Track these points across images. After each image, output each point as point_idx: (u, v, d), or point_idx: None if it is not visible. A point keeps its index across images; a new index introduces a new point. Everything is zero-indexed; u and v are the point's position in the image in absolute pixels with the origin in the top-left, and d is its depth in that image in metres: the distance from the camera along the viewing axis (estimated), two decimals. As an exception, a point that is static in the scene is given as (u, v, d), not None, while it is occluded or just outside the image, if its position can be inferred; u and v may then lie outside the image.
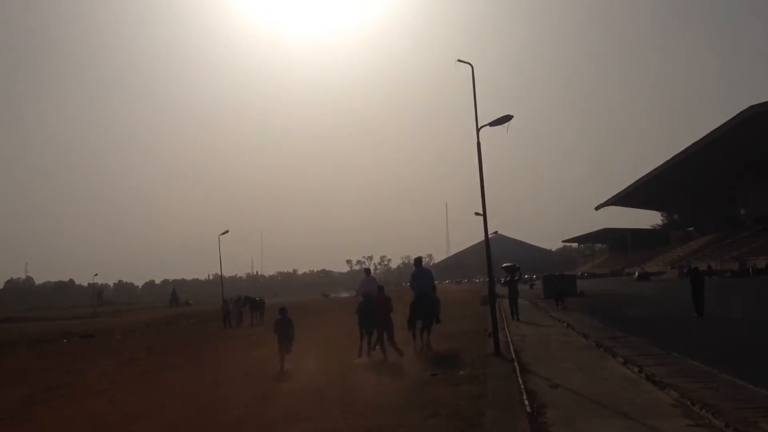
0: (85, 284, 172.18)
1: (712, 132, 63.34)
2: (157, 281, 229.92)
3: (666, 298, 33.15)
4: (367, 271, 18.94)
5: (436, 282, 17.18)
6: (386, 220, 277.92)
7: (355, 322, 15.37)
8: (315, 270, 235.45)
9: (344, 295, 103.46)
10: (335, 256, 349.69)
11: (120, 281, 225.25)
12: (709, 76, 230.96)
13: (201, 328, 34.92)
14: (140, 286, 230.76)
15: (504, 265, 28.61)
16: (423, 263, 18.05)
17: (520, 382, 9.96)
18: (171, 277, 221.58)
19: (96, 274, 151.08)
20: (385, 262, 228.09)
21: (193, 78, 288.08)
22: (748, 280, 48.50)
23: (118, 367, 17.23)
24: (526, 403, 8.36)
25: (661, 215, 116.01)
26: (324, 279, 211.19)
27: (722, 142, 62.39)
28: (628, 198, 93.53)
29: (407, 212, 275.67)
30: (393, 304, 15.05)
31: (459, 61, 15.08)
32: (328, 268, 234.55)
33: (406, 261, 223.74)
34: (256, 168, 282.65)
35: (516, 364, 11.89)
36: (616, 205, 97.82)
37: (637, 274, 71.00)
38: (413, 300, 15.31)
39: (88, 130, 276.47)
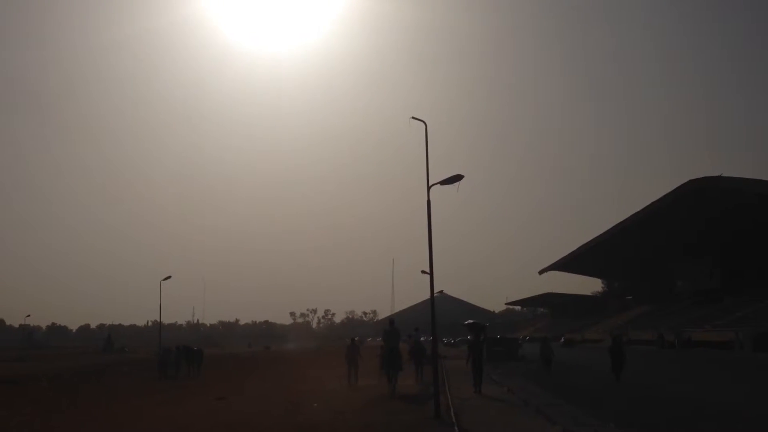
0: (16, 325, 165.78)
1: (651, 204, 65.31)
2: (93, 325, 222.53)
3: (596, 365, 33.54)
4: (392, 321, 21.61)
5: None
6: (331, 273, 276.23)
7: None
8: (257, 321, 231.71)
9: (290, 345, 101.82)
10: (278, 308, 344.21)
11: (53, 324, 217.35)
12: (658, 144, 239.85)
13: (135, 377, 33.66)
14: (74, 330, 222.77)
15: (468, 322, 24.75)
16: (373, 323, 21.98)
17: (459, 448, 9.82)
18: (107, 321, 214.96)
19: (28, 315, 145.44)
20: (329, 316, 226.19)
21: (134, 124, 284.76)
22: (676, 352, 49.88)
23: (39, 416, 16.38)
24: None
25: (602, 282, 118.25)
26: (266, 330, 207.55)
27: (661, 214, 64.33)
28: (570, 264, 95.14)
29: (353, 266, 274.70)
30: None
31: (413, 118, 15.27)
32: (271, 319, 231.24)
33: (351, 315, 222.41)
34: (200, 214, 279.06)
35: (456, 428, 11.74)
36: (558, 270, 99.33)
37: (563, 339, 74.19)
38: (385, 352, 20.04)
39: (23, 166, 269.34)
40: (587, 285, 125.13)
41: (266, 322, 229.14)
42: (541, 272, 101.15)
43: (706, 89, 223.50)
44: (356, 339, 24.26)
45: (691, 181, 57.35)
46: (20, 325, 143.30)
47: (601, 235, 78.99)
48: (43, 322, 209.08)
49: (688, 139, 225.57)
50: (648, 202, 66.46)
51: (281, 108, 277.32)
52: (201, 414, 14.97)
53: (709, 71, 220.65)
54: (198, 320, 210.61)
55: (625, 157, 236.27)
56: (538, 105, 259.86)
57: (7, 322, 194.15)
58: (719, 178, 55.15)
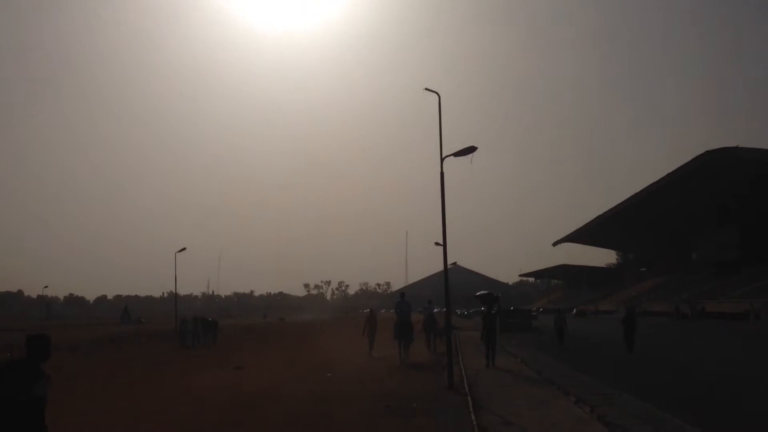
0: (35, 296, 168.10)
1: (667, 175, 64.80)
2: (110, 296, 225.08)
3: (609, 335, 33.52)
4: (402, 294, 23.22)
5: None
6: (345, 245, 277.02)
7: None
8: (272, 292, 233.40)
9: (306, 316, 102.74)
10: (293, 280, 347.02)
11: (71, 294, 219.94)
12: (674, 117, 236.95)
13: (152, 347, 34.07)
14: (92, 301, 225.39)
15: (479, 293, 23.35)
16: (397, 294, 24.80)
17: (473, 418, 9.89)
18: (124, 293, 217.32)
19: (46, 286, 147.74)
20: (343, 288, 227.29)
21: (153, 96, 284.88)
22: (690, 323, 49.87)
23: (58, 384, 16.62)
24: (478, 439, 8.28)
25: (617, 254, 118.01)
26: (281, 302, 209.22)
27: (677, 185, 63.90)
28: (585, 235, 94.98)
29: (366, 238, 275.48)
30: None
31: (426, 89, 15.13)
32: (285, 291, 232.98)
33: (364, 287, 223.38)
34: (215, 186, 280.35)
35: (469, 398, 11.82)
36: (573, 242, 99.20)
37: (574, 311, 74.60)
38: (396, 322, 20.88)
39: (43, 139, 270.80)
40: (602, 257, 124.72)
41: (280, 293, 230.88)
42: (555, 244, 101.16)
43: (730, 58, 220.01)
44: (371, 311, 25.11)
45: (707, 152, 56.64)
46: (38, 296, 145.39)
47: (615, 206, 78.69)
48: (61, 293, 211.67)
49: (707, 109, 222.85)
50: (664, 174, 65.96)
51: (295, 81, 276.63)
52: (219, 384, 15.13)
53: (735, 37, 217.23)
54: (213, 291, 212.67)
55: (641, 127, 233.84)
56: (552, 77, 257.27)
57: (26, 293, 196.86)
58: (736, 148, 54.49)
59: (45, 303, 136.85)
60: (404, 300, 22.14)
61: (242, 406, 11.62)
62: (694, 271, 76.85)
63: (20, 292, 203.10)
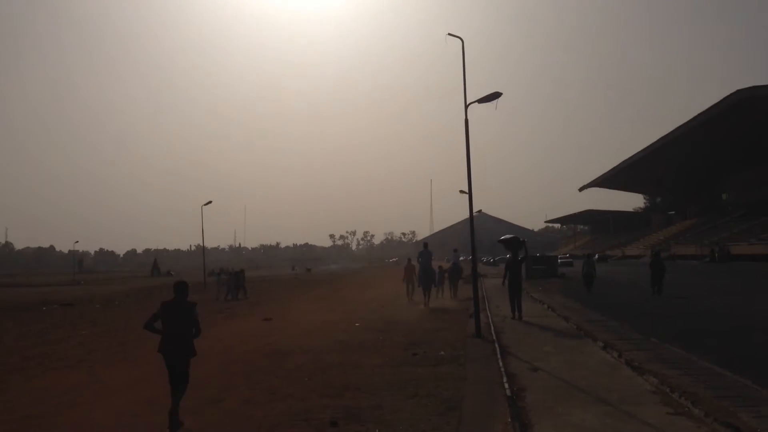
0: (66, 251, 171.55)
1: (697, 116, 63.24)
2: (139, 250, 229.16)
3: (636, 280, 33.39)
4: (425, 244, 24.06)
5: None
6: (370, 195, 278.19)
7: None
8: (298, 244, 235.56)
9: (334, 266, 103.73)
10: (318, 231, 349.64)
11: (101, 249, 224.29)
12: (700, 58, 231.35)
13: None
14: (121, 255, 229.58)
15: (503, 237, 20.31)
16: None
17: (501, 364, 9.94)
18: (153, 246, 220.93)
19: (77, 242, 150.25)
20: (368, 238, 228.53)
21: (177, 50, 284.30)
22: (717, 266, 49.64)
23: (96, 337, 17.05)
24: (506, 386, 8.33)
25: (644, 198, 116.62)
26: (307, 253, 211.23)
27: (707, 126, 62.41)
28: (611, 180, 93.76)
29: (391, 188, 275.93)
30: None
31: (449, 35, 14.80)
32: (311, 242, 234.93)
33: (389, 237, 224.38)
34: (241, 140, 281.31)
35: (497, 345, 11.89)
36: (599, 186, 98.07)
37: (596, 256, 73.94)
38: (420, 271, 22.78)
39: (71, 97, 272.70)
40: (629, 201, 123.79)
41: (306, 244, 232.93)
42: (581, 189, 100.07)
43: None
44: (410, 260, 25.80)
45: (738, 91, 55.16)
46: (69, 251, 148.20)
47: (643, 149, 77.33)
48: (92, 248, 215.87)
49: (737, 50, 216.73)
50: (693, 115, 64.48)
51: (317, 34, 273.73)
52: (248, 334, 15.41)
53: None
54: (240, 244, 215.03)
55: (670, 69, 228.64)
56: (577, 21, 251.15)
57: (57, 248, 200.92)
58: (766, 87, 53.06)
59: (77, 258, 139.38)
60: (427, 250, 23.15)
61: (271, 356, 11.81)
62: (724, 213, 75.81)
63: (52, 247, 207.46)
